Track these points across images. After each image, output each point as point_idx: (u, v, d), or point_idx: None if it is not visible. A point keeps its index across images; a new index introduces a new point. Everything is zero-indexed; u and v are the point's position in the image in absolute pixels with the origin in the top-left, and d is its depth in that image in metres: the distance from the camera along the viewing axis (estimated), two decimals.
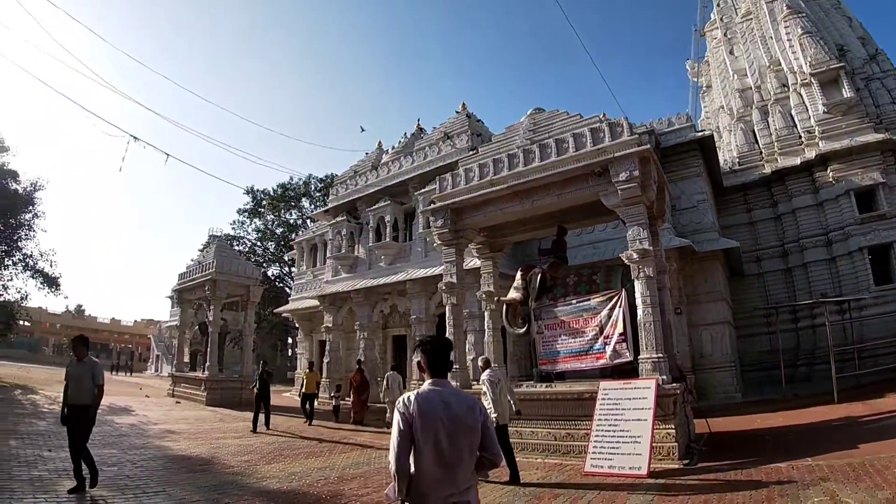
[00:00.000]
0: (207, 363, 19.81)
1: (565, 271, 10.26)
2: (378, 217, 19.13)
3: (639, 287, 8.24)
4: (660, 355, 7.89)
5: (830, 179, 17.79)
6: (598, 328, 9.03)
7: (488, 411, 5.46)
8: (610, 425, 7.33)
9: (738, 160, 20.88)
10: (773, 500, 5.22)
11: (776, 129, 20.06)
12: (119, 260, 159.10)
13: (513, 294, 10.47)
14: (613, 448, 7.09)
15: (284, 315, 27.21)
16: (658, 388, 7.36)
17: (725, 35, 24.95)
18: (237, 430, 12.27)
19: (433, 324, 17.16)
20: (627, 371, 8.61)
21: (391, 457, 2.46)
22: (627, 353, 8.62)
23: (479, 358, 8.79)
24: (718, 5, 26.22)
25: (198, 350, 26.69)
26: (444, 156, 17.81)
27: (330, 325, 20.18)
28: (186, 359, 26.41)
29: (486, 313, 11.62)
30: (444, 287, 10.67)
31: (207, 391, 18.89)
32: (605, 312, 8.98)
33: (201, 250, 31.97)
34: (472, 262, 16.43)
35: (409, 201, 18.97)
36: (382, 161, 21.25)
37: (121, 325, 71.26)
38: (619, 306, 8.83)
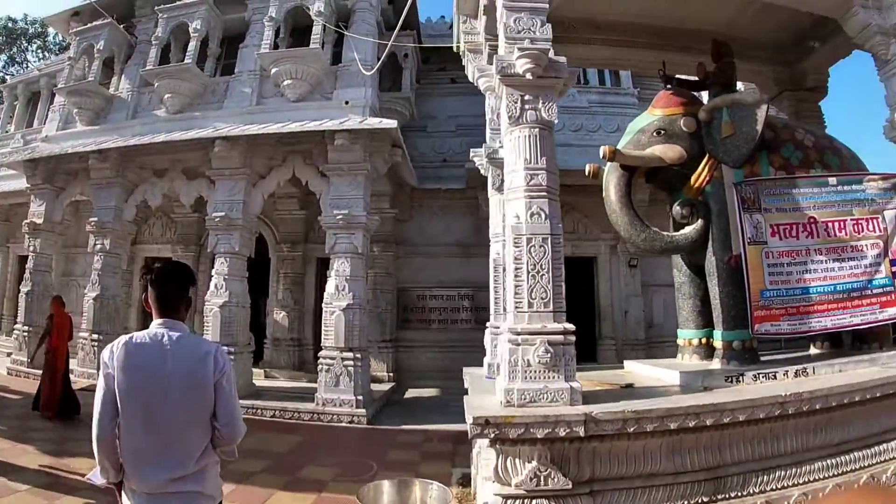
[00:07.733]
0: None
1: (785, 123, 4.66)
2: (177, 24, 9.94)
3: None
4: None
5: None
6: (881, 242, 4.01)
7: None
8: None
9: None
10: None
11: None
12: None
13: (660, 147, 4.01)
14: None
15: None
16: None
17: None
18: None
19: (251, 234, 8.91)
20: None
21: (93, 426, 1.70)
22: None
23: None
24: None
25: None
26: None
27: (39, 223, 10.36)
28: None
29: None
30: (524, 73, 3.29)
31: None
32: (892, 212, 4.07)
33: None
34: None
35: (240, 12, 10.26)
36: None
37: None
38: None
